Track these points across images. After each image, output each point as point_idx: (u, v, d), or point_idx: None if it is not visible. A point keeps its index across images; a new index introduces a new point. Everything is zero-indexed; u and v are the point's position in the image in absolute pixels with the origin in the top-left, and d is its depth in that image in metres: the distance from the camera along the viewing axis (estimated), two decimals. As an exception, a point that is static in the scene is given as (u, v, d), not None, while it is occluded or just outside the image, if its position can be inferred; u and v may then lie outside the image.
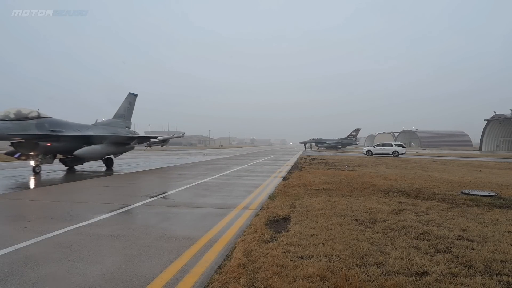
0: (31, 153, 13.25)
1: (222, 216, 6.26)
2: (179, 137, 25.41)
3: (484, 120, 66.32)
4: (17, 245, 4.33)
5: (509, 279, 3.32)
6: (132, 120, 21.54)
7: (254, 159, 27.18)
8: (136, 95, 21.79)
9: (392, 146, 38.01)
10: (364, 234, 4.80)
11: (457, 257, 3.89)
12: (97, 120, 19.35)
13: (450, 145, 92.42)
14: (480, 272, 3.51)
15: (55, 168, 16.07)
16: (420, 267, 3.59)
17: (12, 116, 12.24)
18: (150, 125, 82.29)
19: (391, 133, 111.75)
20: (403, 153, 36.63)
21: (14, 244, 4.36)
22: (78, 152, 14.05)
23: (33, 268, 3.62)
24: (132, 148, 19.12)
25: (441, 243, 4.38)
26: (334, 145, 67.02)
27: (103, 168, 16.80)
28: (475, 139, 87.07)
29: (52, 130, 13.44)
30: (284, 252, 4.04)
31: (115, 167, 17.62)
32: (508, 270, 3.54)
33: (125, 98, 20.96)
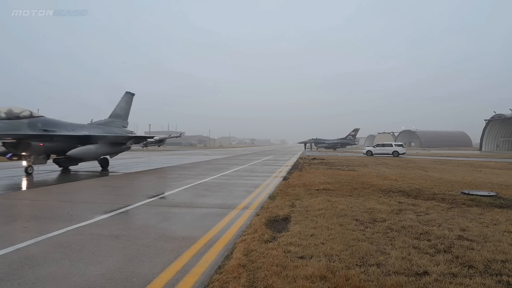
0: (23, 153, 12.89)
1: (222, 216, 6.26)
2: (176, 137, 25.20)
3: (484, 120, 66.37)
4: (17, 245, 4.33)
5: (509, 279, 3.32)
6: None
7: (254, 159, 27.18)
8: (133, 94, 21.40)
9: (392, 146, 38.01)
10: (364, 234, 4.80)
11: (457, 257, 3.90)
12: (92, 119, 19.00)
13: (450, 145, 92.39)
14: (480, 272, 3.51)
15: (48, 169, 16.03)
16: (420, 267, 3.60)
17: (3, 115, 11.89)
18: (150, 125, 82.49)
19: (391, 133, 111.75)
20: (403, 153, 36.62)
21: (14, 244, 4.36)
22: (71, 152, 13.70)
23: (33, 268, 3.62)
24: (128, 148, 18.71)
25: (441, 243, 4.39)
26: (333, 145, 66.98)
27: (99, 169, 16.51)
28: (475, 139, 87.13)
29: (45, 130, 13.12)
30: (284, 252, 4.04)
31: (115, 167, 17.60)
32: (508, 270, 3.55)
33: (122, 97, 20.56)
